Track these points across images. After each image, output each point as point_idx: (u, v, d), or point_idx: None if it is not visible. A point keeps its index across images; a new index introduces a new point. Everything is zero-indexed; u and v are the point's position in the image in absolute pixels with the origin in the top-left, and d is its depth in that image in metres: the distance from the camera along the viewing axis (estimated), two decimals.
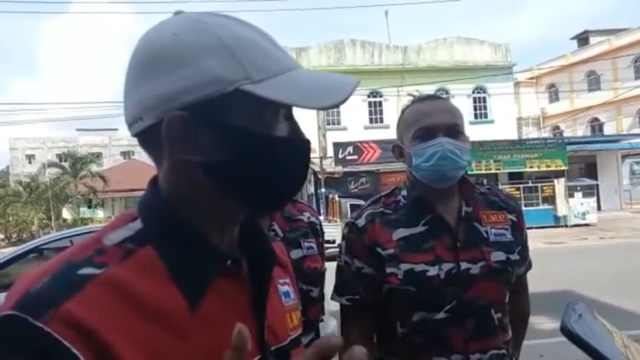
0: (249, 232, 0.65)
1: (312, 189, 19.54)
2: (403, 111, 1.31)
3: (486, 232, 1.23)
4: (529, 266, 1.37)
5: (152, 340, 0.51)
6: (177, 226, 0.58)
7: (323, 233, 1.75)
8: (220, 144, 0.55)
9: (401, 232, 1.22)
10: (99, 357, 0.47)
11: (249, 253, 0.64)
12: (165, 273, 0.55)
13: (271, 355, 0.62)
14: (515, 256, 1.24)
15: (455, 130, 1.21)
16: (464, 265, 1.18)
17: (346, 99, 0.55)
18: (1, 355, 0.45)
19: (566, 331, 0.78)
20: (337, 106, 0.55)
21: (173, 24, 0.58)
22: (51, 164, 25.89)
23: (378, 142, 17.58)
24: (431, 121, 1.20)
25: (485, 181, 1.38)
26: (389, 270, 1.19)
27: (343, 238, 1.30)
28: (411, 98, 1.32)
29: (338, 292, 1.29)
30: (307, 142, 0.61)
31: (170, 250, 0.56)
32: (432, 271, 1.17)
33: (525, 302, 1.40)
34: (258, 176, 0.57)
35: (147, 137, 0.58)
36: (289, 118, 0.59)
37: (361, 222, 1.26)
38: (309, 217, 1.69)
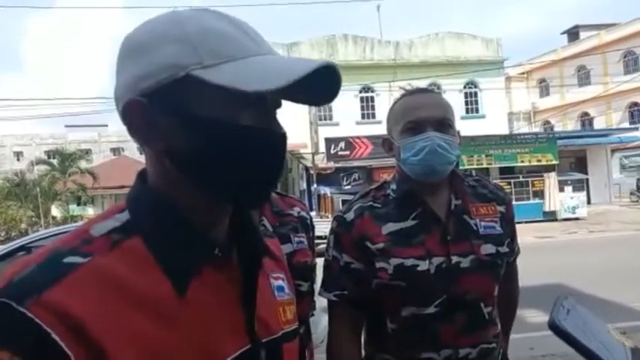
0: (239, 225, 0.64)
1: (304, 185, 19.52)
2: (393, 104, 1.29)
3: (476, 224, 1.22)
4: (518, 252, 1.36)
5: (138, 327, 0.51)
6: (163, 215, 0.58)
7: (313, 228, 1.74)
8: (178, 131, 0.55)
9: (390, 227, 1.20)
10: (82, 343, 0.47)
11: (240, 245, 0.64)
12: (153, 262, 0.55)
13: (262, 346, 0.61)
14: (504, 249, 1.23)
15: (445, 125, 1.19)
16: (454, 259, 1.17)
17: (293, 80, 0.50)
18: None
19: (554, 327, 0.78)
20: (277, 86, 0.50)
21: (155, 18, 0.59)
22: (39, 161, 25.60)
23: (370, 138, 17.57)
24: (421, 115, 1.19)
25: (473, 172, 1.37)
26: (378, 265, 1.18)
27: (331, 232, 1.27)
28: (402, 91, 1.31)
29: (326, 287, 1.27)
30: (277, 134, 0.59)
31: (157, 238, 0.56)
32: (423, 265, 1.16)
33: (514, 287, 1.39)
34: (219, 165, 0.56)
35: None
36: (259, 108, 0.56)
37: (350, 216, 1.24)
38: (299, 212, 1.69)
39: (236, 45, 0.55)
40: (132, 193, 0.61)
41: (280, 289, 0.72)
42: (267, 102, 0.57)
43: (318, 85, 0.56)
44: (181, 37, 0.54)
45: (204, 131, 0.55)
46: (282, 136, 0.59)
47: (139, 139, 0.57)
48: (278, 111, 0.61)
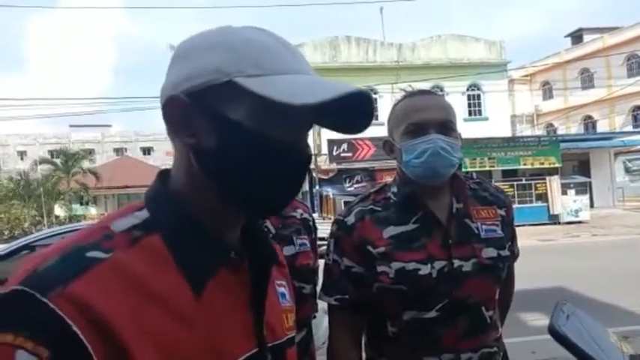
0: (251, 231, 0.66)
1: (306, 186, 19.52)
2: (395, 106, 1.28)
3: (477, 228, 1.21)
4: (517, 255, 1.36)
5: (156, 324, 0.52)
6: (183, 216, 0.60)
7: (316, 229, 1.74)
8: (210, 130, 0.58)
9: (391, 230, 1.19)
10: (101, 337, 0.48)
11: (250, 251, 0.65)
12: (171, 261, 0.56)
13: (268, 350, 0.63)
14: (505, 252, 1.23)
15: (447, 127, 1.18)
16: (456, 263, 1.16)
17: (337, 95, 0.53)
18: (9, 327, 0.47)
19: (554, 332, 0.77)
20: (314, 104, 0.52)
21: (208, 29, 0.63)
22: (43, 161, 25.70)
23: (372, 139, 17.54)
24: (423, 117, 1.18)
25: (474, 174, 1.37)
26: (379, 269, 1.17)
27: (331, 235, 1.26)
28: (404, 93, 1.29)
29: (326, 291, 1.26)
30: (305, 153, 0.61)
31: (176, 238, 0.58)
32: (424, 269, 1.15)
33: (509, 289, 1.39)
34: (242, 170, 0.58)
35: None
36: (292, 124, 0.58)
37: (350, 219, 1.23)
38: (301, 214, 1.68)
39: (278, 60, 0.58)
40: (150, 192, 0.63)
41: (283, 296, 0.73)
42: (299, 120, 0.59)
43: (350, 114, 0.59)
44: (226, 46, 0.58)
45: (233, 134, 0.57)
46: (309, 156, 0.62)
47: (172, 131, 0.60)
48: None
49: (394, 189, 1.26)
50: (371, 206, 1.25)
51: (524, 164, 16.99)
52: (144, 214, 0.60)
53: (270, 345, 0.63)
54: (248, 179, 0.58)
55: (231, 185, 0.59)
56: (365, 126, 0.61)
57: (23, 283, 0.49)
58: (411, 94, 1.26)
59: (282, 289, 0.73)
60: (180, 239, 0.58)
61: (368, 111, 0.60)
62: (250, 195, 0.60)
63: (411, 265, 1.15)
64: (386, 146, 1.29)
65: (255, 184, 0.58)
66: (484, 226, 1.22)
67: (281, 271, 0.76)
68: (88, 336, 0.48)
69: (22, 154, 36.92)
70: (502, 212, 1.27)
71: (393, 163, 1.30)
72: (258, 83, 0.55)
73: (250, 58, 0.56)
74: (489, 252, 1.19)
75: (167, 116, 0.59)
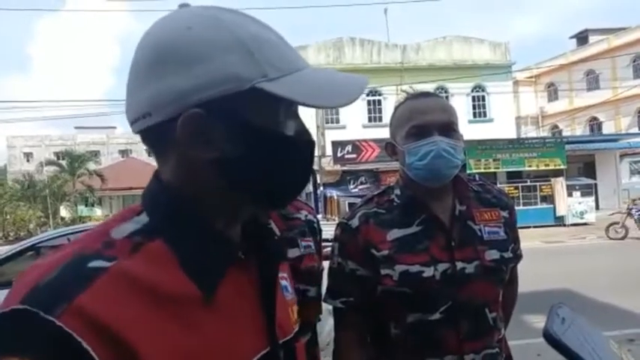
0: (255, 228, 0.65)
1: (310, 187, 19.51)
2: (396, 108, 1.28)
3: (480, 230, 1.21)
4: (520, 257, 1.35)
5: (167, 329, 0.51)
6: (187, 219, 0.57)
7: (320, 231, 1.73)
8: (234, 141, 0.55)
9: (395, 233, 1.19)
10: (112, 351, 0.46)
11: (258, 249, 0.64)
12: (177, 265, 0.54)
13: (280, 347, 0.62)
14: (508, 254, 1.23)
15: (449, 129, 1.18)
16: (459, 265, 1.16)
17: (356, 98, 0.56)
18: (13, 350, 0.44)
19: (549, 337, 0.76)
20: (346, 105, 0.56)
21: (185, 18, 0.56)
22: (49, 162, 25.83)
23: (376, 141, 17.52)
24: (425, 119, 1.18)
25: (477, 176, 1.37)
26: (383, 271, 1.17)
27: (336, 239, 1.27)
28: (405, 95, 1.29)
29: (331, 294, 1.26)
30: (313, 143, 0.63)
31: (181, 242, 0.56)
32: (428, 272, 1.15)
33: (513, 291, 1.38)
34: (267, 174, 0.58)
35: (153, 133, 0.57)
36: (297, 117, 0.60)
37: (354, 222, 1.23)
38: (306, 216, 1.67)
39: (287, 57, 0.57)
40: (149, 195, 0.60)
41: (286, 288, 0.74)
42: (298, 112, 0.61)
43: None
44: (237, 46, 0.54)
45: (259, 141, 0.56)
46: (314, 144, 0.63)
47: (188, 147, 0.55)
48: None
49: (397, 191, 1.27)
50: (374, 209, 1.25)
51: (529, 166, 16.91)
52: (143, 218, 0.57)
53: (281, 342, 0.63)
54: (271, 181, 0.59)
55: (253, 188, 0.58)
56: (352, 101, 0.59)
57: (24, 301, 0.46)
58: (412, 96, 1.26)
59: (284, 282, 0.73)
60: (185, 242, 0.56)
61: (359, 92, 0.59)
62: (269, 193, 0.60)
63: (415, 268, 1.16)
64: (388, 148, 1.29)
65: (277, 184, 0.59)
66: (487, 229, 1.22)
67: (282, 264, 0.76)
68: (99, 350, 0.45)
69: (28, 156, 37.14)
70: (505, 214, 1.27)
71: (397, 165, 1.30)
72: (281, 86, 0.54)
73: (266, 59, 0.54)
74: (492, 254, 1.19)
75: (183, 132, 0.54)
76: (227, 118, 0.54)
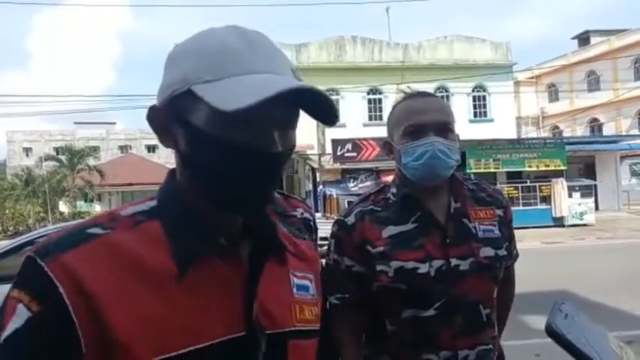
0: (254, 220, 0.69)
1: (310, 185, 19.52)
2: (394, 107, 1.29)
3: (475, 228, 1.23)
4: (516, 257, 1.36)
5: (138, 299, 0.58)
6: (183, 206, 0.65)
7: (317, 229, 1.73)
8: (183, 137, 0.62)
9: (391, 230, 1.21)
10: (82, 303, 0.56)
11: (257, 241, 0.68)
12: (165, 244, 0.62)
13: (263, 336, 0.64)
14: (502, 252, 1.24)
15: (446, 129, 1.19)
16: (454, 262, 1.17)
17: (256, 102, 0.52)
18: (18, 285, 0.58)
19: (551, 331, 0.77)
20: (250, 106, 0.52)
21: (198, 32, 0.64)
22: (48, 157, 25.86)
23: (377, 140, 17.52)
24: (422, 119, 1.19)
25: (472, 176, 1.37)
26: (379, 268, 1.18)
27: (332, 236, 1.28)
28: (403, 94, 1.30)
29: (327, 290, 1.26)
30: (265, 152, 0.59)
31: (173, 225, 0.63)
32: (423, 268, 1.17)
33: (510, 291, 1.39)
34: (212, 173, 0.61)
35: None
36: (251, 124, 0.58)
37: (350, 220, 1.25)
38: (302, 213, 1.66)
39: (239, 63, 0.58)
40: (162, 185, 0.69)
41: (304, 288, 0.74)
42: (258, 119, 0.58)
43: (314, 107, 0.60)
44: (199, 52, 0.60)
45: (197, 140, 0.60)
46: (274, 155, 0.60)
47: (159, 139, 0.65)
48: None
49: (393, 189, 1.28)
50: (371, 206, 1.26)
51: (530, 166, 16.91)
52: (153, 203, 0.67)
53: (268, 332, 0.64)
54: (217, 181, 0.61)
55: (206, 185, 0.63)
56: (330, 119, 0.60)
57: (35, 250, 0.59)
58: (410, 96, 1.27)
59: (304, 282, 0.74)
60: (176, 226, 0.63)
61: (325, 106, 0.60)
62: (222, 195, 0.62)
63: (410, 264, 1.17)
64: (385, 147, 1.31)
65: (224, 185, 0.61)
66: (481, 226, 1.23)
67: (308, 264, 0.77)
68: (72, 298, 0.55)
69: (27, 151, 37.14)
70: (500, 212, 1.28)
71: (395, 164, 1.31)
72: (207, 89, 0.57)
73: (212, 63, 0.58)
74: (487, 251, 1.21)
75: (151, 125, 0.64)
76: (178, 116, 0.61)
